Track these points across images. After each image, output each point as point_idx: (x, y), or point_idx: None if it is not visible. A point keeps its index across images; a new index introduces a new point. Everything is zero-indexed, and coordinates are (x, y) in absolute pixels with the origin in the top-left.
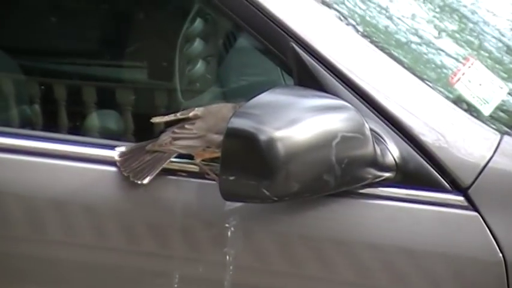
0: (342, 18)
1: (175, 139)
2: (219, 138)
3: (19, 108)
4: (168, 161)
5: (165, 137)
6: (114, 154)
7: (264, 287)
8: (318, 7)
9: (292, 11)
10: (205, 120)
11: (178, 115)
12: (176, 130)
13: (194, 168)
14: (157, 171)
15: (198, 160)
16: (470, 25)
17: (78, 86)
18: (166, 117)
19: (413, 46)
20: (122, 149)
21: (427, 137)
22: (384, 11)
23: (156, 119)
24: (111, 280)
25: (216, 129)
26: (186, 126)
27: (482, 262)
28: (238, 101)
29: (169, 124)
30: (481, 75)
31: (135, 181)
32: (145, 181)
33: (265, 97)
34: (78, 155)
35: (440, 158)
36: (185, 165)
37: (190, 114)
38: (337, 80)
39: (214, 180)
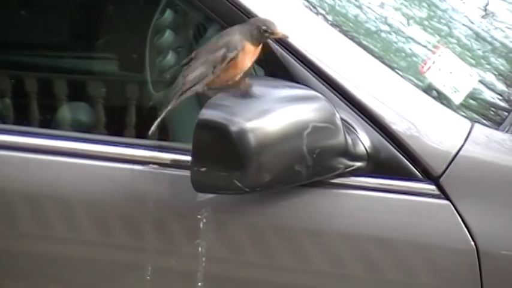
0: (312, 7)
1: (185, 76)
2: (218, 53)
3: None
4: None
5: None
6: None
7: (237, 278)
8: None
9: (261, 1)
10: (202, 50)
11: (184, 61)
12: (185, 72)
13: (166, 159)
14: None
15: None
16: (439, 12)
17: (48, 79)
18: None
19: (383, 35)
20: None
21: (398, 126)
22: (353, 0)
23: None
24: (84, 273)
25: (211, 49)
26: (191, 64)
27: (455, 250)
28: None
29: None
30: (452, 63)
31: None
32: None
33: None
34: (49, 148)
35: (412, 147)
36: (157, 156)
37: (192, 54)
38: (307, 70)
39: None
